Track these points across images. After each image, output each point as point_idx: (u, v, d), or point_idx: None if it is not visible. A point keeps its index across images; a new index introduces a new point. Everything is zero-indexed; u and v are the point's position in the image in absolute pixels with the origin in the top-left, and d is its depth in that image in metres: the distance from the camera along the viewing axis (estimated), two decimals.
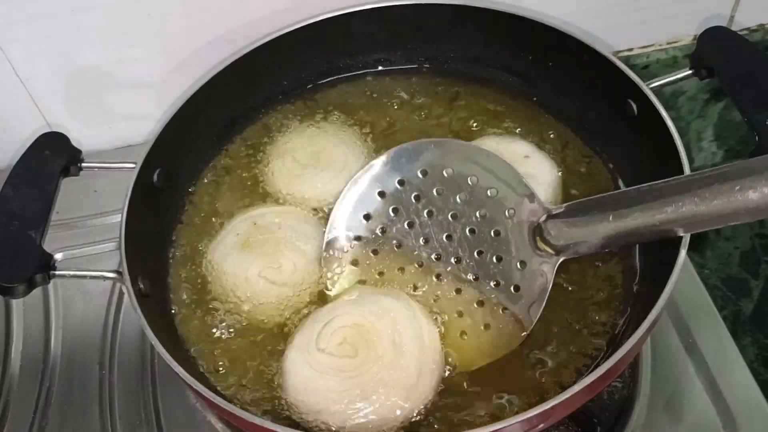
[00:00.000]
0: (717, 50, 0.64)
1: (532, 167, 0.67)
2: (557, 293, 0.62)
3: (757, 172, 0.45)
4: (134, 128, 0.86)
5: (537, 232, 0.59)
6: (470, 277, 0.61)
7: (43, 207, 0.60)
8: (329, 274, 0.64)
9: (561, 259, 0.59)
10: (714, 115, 0.98)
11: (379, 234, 0.64)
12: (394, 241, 0.63)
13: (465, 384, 0.58)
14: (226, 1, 0.76)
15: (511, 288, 0.60)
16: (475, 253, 0.61)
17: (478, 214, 0.61)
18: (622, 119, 0.66)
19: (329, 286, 0.64)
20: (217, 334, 0.63)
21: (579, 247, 0.58)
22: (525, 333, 0.59)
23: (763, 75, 0.62)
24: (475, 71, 0.76)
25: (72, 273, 0.58)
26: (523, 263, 0.60)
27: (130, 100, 0.84)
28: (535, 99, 0.74)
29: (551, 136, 0.72)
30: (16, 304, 0.76)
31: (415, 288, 0.62)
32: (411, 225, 0.63)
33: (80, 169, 0.65)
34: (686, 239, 0.55)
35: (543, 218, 0.59)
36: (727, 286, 0.75)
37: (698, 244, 0.88)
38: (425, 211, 0.63)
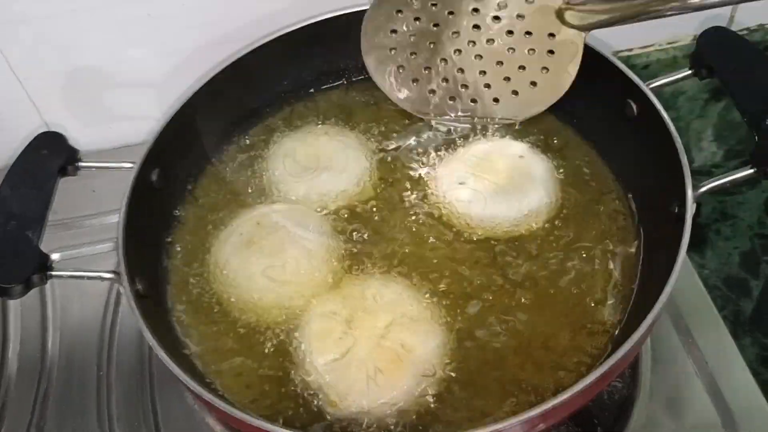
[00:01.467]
0: (717, 50, 0.64)
1: (527, 167, 0.67)
2: (557, 293, 0.62)
3: None
4: (133, 128, 0.86)
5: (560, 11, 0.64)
6: (507, 50, 0.68)
7: (41, 207, 0.59)
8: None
9: (587, 29, 0.63)
10: (714, 115, 0.98)
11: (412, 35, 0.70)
12: (433, 25, 0.69)
13: (465, 383, 0.58)
14: (226, 1, 0.76)
15: (546, 52, 0.67)
16: (505, 34, 0.68)
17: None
18: (622, 119, 0.66)
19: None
20: (216, 334, 0.63)
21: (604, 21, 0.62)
22: (567, 85, 0.66)
23: (763, 75, 0.62)
24: None
25: (69, 273, 0.58)
26: (551, 35, 0.66)
27: (129, 100, 0.84)
28: None
29: (551, 135, 0.72)
30: (13, 304, 0.76)
31: (462, 71, 0.70)
32: (451, 13, 0.68)
33: (78, 168, 0.64)
34: (686, 239, 0.55)
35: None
36: (727, 286, 0.75)
37: (698, 244, 0.88)
38: (447, 12, 0.68)
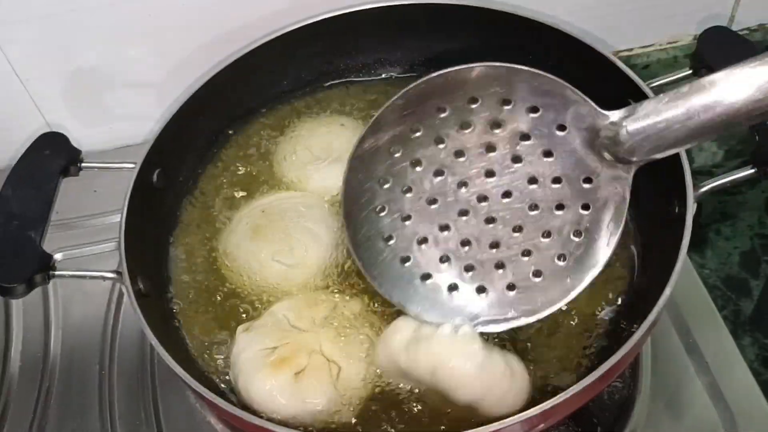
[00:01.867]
0: (717, 50, 0.64)
1: None
2: None
3: None
4: (134, 128, 0.86)
5: (599, 142, 0.51)
6: (528, 210, 0.53)
7: (43, 207, 0.60)
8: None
9: (634, 166, 0.52)
10: None
11: (405, 194, 0.55)
12: (424, 196, 0.55)
13: None
14: (226, 1, 0.76)
15: (579, 210, 0.53)
16: (527, 181, 0.53)
17: (518, 139, 0.52)
18: None
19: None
20: (219, 332, 0.63)
21: (656, 148, 0.50)
22: (607, 257, 0.53)
23: None
24: None
25: (71, 273, 0.58)
26: (588, 179, 0.52)
27: (130, 100, 0.84)
28: None
29: None
30: (16, 304, 0.76)
31: (466, 243, 0.54)
32: (438, 173, 0.54)
33: (80, 169, 0.64)
34: (686, 239, 0.55)
35: (605, 123, 0.51)
36: (727, 286, 0.75)
37: (698, 243, 0.88)
38: (453, 152, 0.53)
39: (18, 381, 0.71)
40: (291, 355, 0.57)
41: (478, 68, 0.53)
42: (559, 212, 0.53)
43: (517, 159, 0.53)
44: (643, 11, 0.86)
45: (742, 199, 0.86)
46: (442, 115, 0.53)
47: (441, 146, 0.54)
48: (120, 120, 0.86)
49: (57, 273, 0.57)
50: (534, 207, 0.53)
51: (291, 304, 0.61)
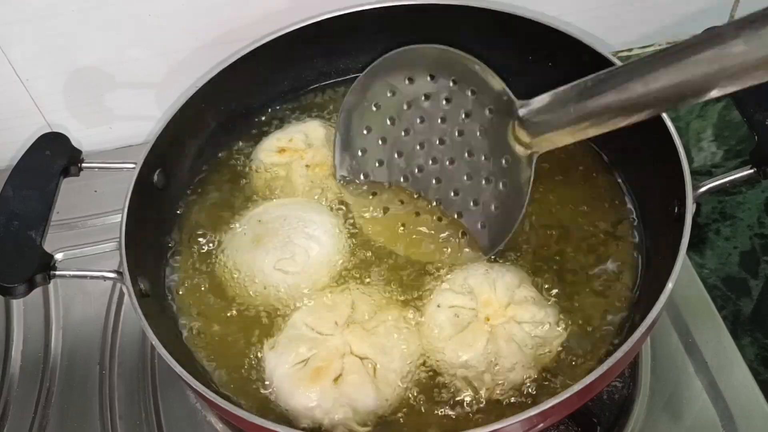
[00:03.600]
0: None
1: None
2: (558, 295, 0.62)
3: (729, 38, 0.44)
4: (134, 128, 0.86)
5: (515, 126, 0.60)
6: (464, 178, 0.64)
7: (44, 207, 0.59)
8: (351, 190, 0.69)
9: (537, 152, 0.59)
10: (713, 115, 0.98)
11: (380, 144, 0.68)
12: (396, 150, 0.67)
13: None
14: (226, 1, 0.76)
15: (500, 184, 0.62)
16: (466, 154, 0.64)
17: (463, 114, 0.64)
18: None
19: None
20: (218, 333, 0.63)
21: (554, 136, 0.58)
22: (517, 220, 0.61)
23: None
24: None
25: (72, 273, 0.58)
26: (507, 159, 0.61)
27: (131, 100, 0.84)
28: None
29: None
30: (17, 304, 0.76)
31: (419, 195, 0.67)
32: (407, 132, 0.67)
33: (80, 169, 0.64)
34: (686, 239, 0.55)
35: (519, 111, 0.59)
36: (727, 286, 0.75)
37: (698, 243, 0.88)
38: (417, 118, 0.66)
39: (19, 381, 0.71)
40: (325, 364, 0.57)
41: (429, 49, 0.65)
42: (486, 185, 0.64)
43: (460, 132, 0.65)
44: (642, 11, 0.86)
45: (741, 199, 0.86)
46: (411, 84, 0.66)
47: (408, 111, 0.67)
48: (120, 120, 0.86)
49: (58, 273, 0.57)
50: (469, 177, 0.65)
51: (309, 311, 0.61)
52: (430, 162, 0.66)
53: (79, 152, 0.65)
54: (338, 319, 0.60)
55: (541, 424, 0.55)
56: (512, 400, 0.57)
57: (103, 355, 0.72)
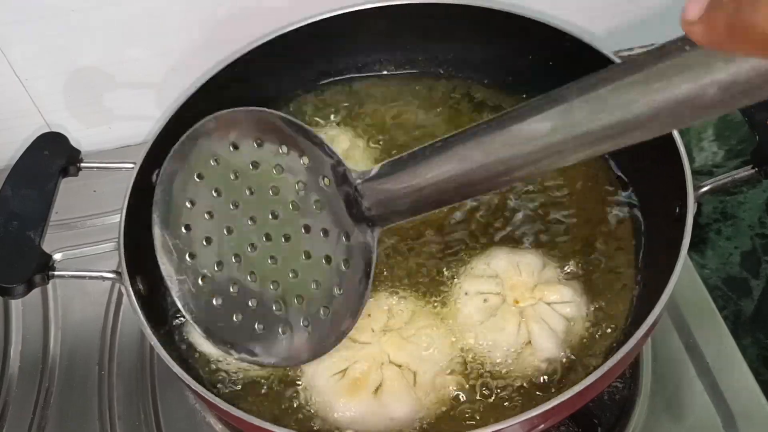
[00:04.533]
0: None
1: None
2: None
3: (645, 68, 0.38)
4: (134, 128, 0.86)
5: (354, 201, 0.52)
6: (302, 258, 0.55)
7: (43, 207, 0.59)
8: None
9: (378, 229, 0.53)
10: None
11: (207, 218, 0.57)
12: (225, 225, 0.57)
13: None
14: (225, 1, 0.76)
15: (341, 266, 0.54)
16: (303, 229, 0.55)
17: (297, 186, 0.54)
18: None
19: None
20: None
21: (392, 214, 0.52)
22: (359, 312, 0.54)
23: None
24: (475, 71, 0.76)
25: (71, 273, 0.58)
26: (347, 236, 0.53)
27: (130, 100, 0.84)
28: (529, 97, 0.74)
29: None
30: (15, 304, 0.76)
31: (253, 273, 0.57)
32: (236, 205, 0.56)
33: (79, 169, 0.64)
34: (687, 239, 0.55)
35: (356, 183, 0.52)
36: (728, 286, 0.75)
37: (699, 243, 0.88)
38: (246, 190, 0.56)
39: (17, 381, 0.71)
40: (364, 375, 0.56)
41: (251, 113, 0.55)
42: (326, 265, 0.54)
43: (294, 205, 0.55)
44: (643, 10, 0.86)
45: (742, 199, 0.86)
46: (236, 151, 0.56)
47: (236, 181, 0.56)
48: (119, 120, 0.86)
49: (56, 273, 0.57)
50: (308, 255, 0.55)
51: None
52: (264, 239, 0.56)
53: (78, 152, 0.65)
54: (375, 327, 0.59)
55: (542, 425, 0.55)
56: (543, 380, 0.58)
57: (102, 356, 0.71)
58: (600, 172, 0.70)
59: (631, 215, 0.66)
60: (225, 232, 0.57)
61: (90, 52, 0.78)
